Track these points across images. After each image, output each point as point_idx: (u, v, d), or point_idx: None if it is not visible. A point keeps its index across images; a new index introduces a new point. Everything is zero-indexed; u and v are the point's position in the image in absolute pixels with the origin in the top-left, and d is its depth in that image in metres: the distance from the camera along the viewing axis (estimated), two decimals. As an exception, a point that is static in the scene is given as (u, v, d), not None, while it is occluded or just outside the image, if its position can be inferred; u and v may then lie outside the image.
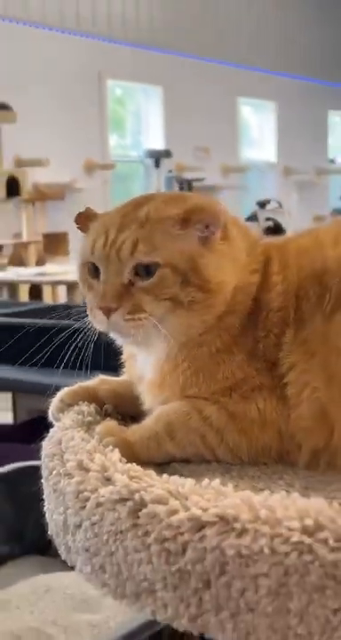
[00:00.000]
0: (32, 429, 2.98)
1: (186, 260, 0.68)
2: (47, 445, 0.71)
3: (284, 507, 0.53)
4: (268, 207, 9.67)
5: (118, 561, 0.57)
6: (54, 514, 0.66)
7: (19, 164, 6.92)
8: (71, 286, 4.73)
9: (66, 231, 6.90)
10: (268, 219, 9.57)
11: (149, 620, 1.18)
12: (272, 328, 0.70)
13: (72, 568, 1.72)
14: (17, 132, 6.67)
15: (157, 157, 8.57)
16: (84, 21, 7.73)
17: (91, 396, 0.78)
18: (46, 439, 0.72)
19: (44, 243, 6.84)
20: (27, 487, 1.66)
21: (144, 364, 0.75)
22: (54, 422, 0.77)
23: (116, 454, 0.64)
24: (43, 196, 7.09)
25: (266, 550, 0.50)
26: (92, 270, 0.69)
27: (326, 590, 0.48)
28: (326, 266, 0.71)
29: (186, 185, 8.75)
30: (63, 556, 0.65)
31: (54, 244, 6.93)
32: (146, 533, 0.55)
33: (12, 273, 5.21)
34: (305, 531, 0.50)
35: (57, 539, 0.66)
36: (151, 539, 0.53)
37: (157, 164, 8.61)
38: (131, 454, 0.66)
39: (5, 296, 5.10)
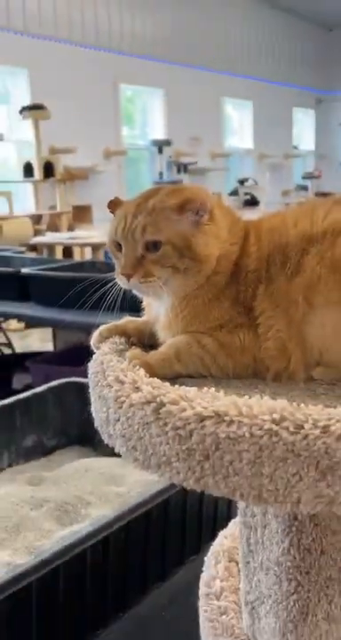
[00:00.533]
0: (68, 356, 3.04)
1: (182, 239, 0.70)
2: (92, 365, 0.72)
3: (259, 405, 0.56)
4: (246, 184, 9.62)
5: (146, 443, 0.60)
6: (99, 413, 0.68)
7: (53, 151, 6.82)
8: (95, 247, 4.72)
9: (90, 204, 6.86)
10: (246, 193, 9.52)
11: (159, 490, 1.21)
12: (249, 284, 0.72)
13: (103, 454, 1.77)
14: (51, 127, 6.59)
15: (160, 145, 8.43)
16: (102, 38, 7.57)
17: (121, 332, 0.80)
18: (91, 361, 0.73)
19: (73, 213, 6.78)
20: (69, 397, 1.75)
21: (157, 310, 0.77)
22: (95, 350, 0.78)
23: (142, 372, 0.66)
24: (72, 176, 7.00)
25: (247, 435, 0.53)
26: (117, 246, 0.72)
27: (287, 460, 0.52)
28: (288, 241, 0.72)
29: (183, 167, 8.65)
30: (106, 441, 0.68)
31: (81, 214, 6.90)
32: (165, 424, 0.58)
33: (50, 237, 5.21)
34: (274, 421, 0.53)
35: (101, 429, 0.69)
36: (168, 428, 0.57)
37: (160, 151, 8.48)
38: (151, 372, 0.69)
39: (45, 254, 5.12)
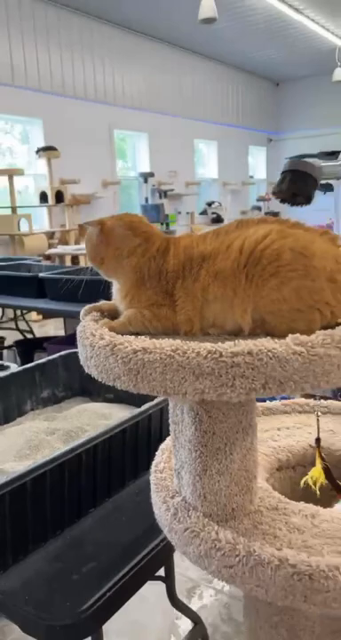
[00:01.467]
0: (74, 339, 3.20)
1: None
2: (78, 328, 0.80)
3: (165, 342, 0.67)
4: (213, 206, 9.77)
5: (107, 368, 0.70)
6: (83, 354, 0.77)
7: (63, 182, 6.92)
8: None
9: (92, 223, 7.01)
10: (213, 212, 9.68)
11: (132, 415, 1.29)
12: (170, 280, 0.78)
13: (97, 401, 1.84)
14: (61, 163, 6.71)
15: (145, 177, 8.54)
16: (99, 93, 7.68)
17: (97, 309, 0.87)
18: (78, 326, 0.81)
19: (79, 230, 6.88)
20: (73, 362, 1.80)
21: (116, 296, 0.84)
22: (81, 320, 0.85)
23: (106, 330, 0.75)
24: (78, 201, 7.10)
25: (158, 357, 0.66)
26: None
27: (178, 371, 0.65)
28: (193, 256, 0.77)
29: (163, 193, 8.78)
30: (87, 371, 0.76)
31: (85, 231, 7.04)
32: (117, 355, 0.68)
33: (61, 249, 5.37)
34: (172, 350, 0.65)
35: (84, 364, 0.77)
36: (118, 357, 0.68)
37: (145, 181, 8.59)
38: (114, 331, 0.76)
39: (57, 262, 5.27)
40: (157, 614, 1.82)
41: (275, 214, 10.55)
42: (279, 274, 0.70)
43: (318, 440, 0.99)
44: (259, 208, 11.28)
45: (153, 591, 1.79)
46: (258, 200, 11.40)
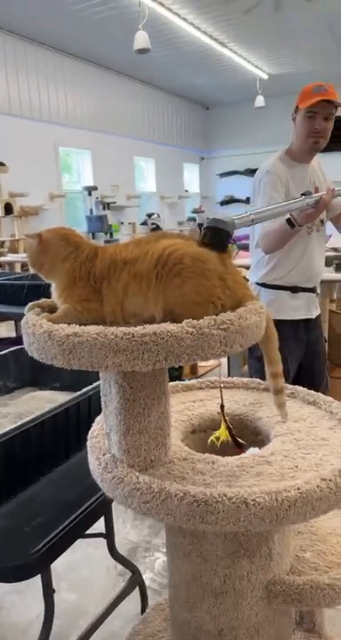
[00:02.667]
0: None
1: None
2: (23, 320, 0.86)
3: (92, 329, 0.76)
4: (153, 217, 9.87)
5: (46, 350, 0.78)
6: (26, 342, 0.84)
7: (12, 195, 6.86)
8: None
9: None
10: (153, 223, 9.78)
11: (74, 397, 1.37)
12: (97, 280, 0.85)
13: (44, 389, 1.88)
14: (9, 178, 6.64)
15: (89, 190, 8.54)
16: (45, 113, 7.63)
17: (39, 305, 0.92)
18: (23, 319, 0.86)
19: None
20: (23, 356, 1.60)
21: (53, 293, 0.90)
22: (26, 314, 0.90)
23: (45, 320, 0.82)
24: (26, 213, 7.04)
25: (85, 340, 0.75)
26: None
27: (101, 349, 0.75)
28: (117, 261, 0.86)
29: (106, 205, 8.80)
30: (30, 355, 0.83)
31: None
32: (53, 339, 0.77)
33: (10, 257, 5.32)
34: (96, 334, 0.74)
35: (28, 349, 0.84)
36: (54, 340, 0.77)
37: (89, 194, 8.59)
38: (52, 322, 0.82)
39: (7, 269, 5.23)
40: (101, 571, 1.94)
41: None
42: (181, 274, 0.81)
43: (222, 406, 1.13)
44: (194, 219, 11.53)
45: (98, 553, 1.90)
46: (193, 212, 11.65)
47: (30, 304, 0.97)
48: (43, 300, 0.98)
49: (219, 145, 12.21)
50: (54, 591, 1.19)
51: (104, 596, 1.79)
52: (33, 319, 0.86)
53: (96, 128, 8.66)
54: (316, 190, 1.85)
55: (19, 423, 1.21)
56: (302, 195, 1.65)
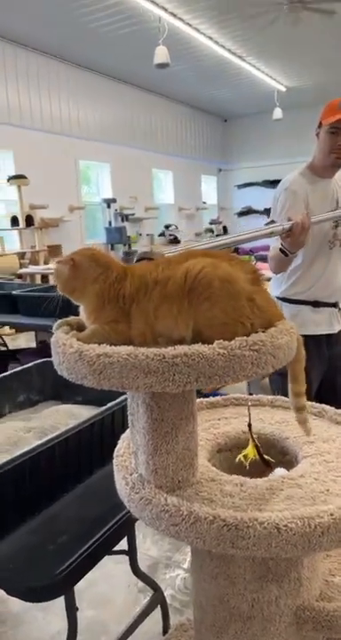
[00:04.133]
0: (46, 349, 3.23)
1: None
2: (52, 339, 0.86)
3: (122, 349, 0.76)
4: (170, 228, 9.93)
5: (76, 370, 0.77)
6: (56, 360, 0.83)
7: (32, 207, 6.95)
8: None
9: (60, 244, 7.02)
10: (170, 234, 9.83)
11: (98, 412, 1.37)
12: (127, 302, 0.84)
13: (68, 403, 1.87)
14: (30, 190, 6.74)
15: (108, 202, 8.64)
16: (65, 127, 7.75)
17: (67, 323, 0.92)
18: (52, 338, 0.86)
19: (48, 251, 6.92)
20: (46, 369, 1.85)
21: (82, 314, 0.90)
22: (54, 332, 0.90)
23: (75, 340, 0.82)
24: (46, 225, 7.13)
25: (115, 360, 0.75)
26: None
27: (132, 370, 0.74)
28: (147, 282, 0.85)
29: (125, 217, 8.88)
30: (60, 373, 0.83)
31: (53, 251, 7.01)
32: (83, 360, 0.77)
33: (32, 269, 5.38)
34: (127, 355, 0.75)
35: (57, 368, 0.83)
36: (85, 361, 0.76)
37: (108, 206, 8.68)
38: (80, 342, 0.82)
39: (28, 280, 5.28)
40: (122, 588, 1.92)
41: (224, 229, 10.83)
42: (211, 298, 0.81)
43: (250, 425, 1.11)
44: (212, 230, 11.55)
45: (119, 569, 1.88)
46: (211, 223, 11.67)
47: (59, 322, 0.97)
48: (71, 318, 0.98)
49: (237, 157, 12.24)
50: (77, 609, 1.17)
51: (125, 612, 1.77)
52: (62, 338, 0.85)
53: (115, 141, 8.77)
54: (289, 219, 1.76)
55: (44, 440, 1.21)
56: (266, 224, 1.64)
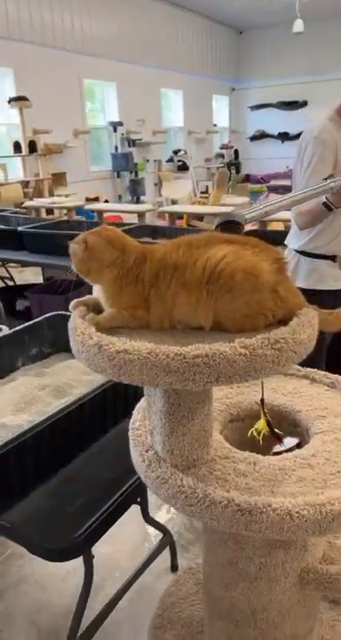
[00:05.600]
0: (53, 287, 3.23)
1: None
2: (70, 325, 0.85)
3: (142, 345, 0.75)
4: (179, 154, 9.56)
5: (95, 363, 0.78)
6: (75, 348, 0.83)
7: (35, 132, 6.67)
8: (69, 210, 4.81)
9: (64, 171, 6.83)
10: (179, 160, 9.49)
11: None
12: (146, 286, 0.83)
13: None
14: (32, 114, 6.44)
15: (114, 126, 8.28)
16: (69, 41, 7.25)
17: (84, 303, 0.91)
18: (69, 322, 0.85)
19: (52, 179, 6.74)
20: (58, 322, 1.87)
21: (99, 296, 0.89)
22: (71, 311, 0.90)
23: (93, 329, 0.81)
24: (50, 151, 6.88)
25: (136, 358, 0.74)
26: None
27: (152, 369, 0.73)
28: (166, 266, 0.83)
29: (132, 142, 8.53)
30: (78, 359, 0.83)
31: (58, 179, 6.85)
32: (103, 354, 0.76)
33: (37, 202, 5.25)
34: (148, 353, 0.74)
35: (76, 356, 0.83)
36: (104, 356, 0.76)
37: (115, 130, 8.33)
38: (99, 326, 0.83)
39: (33, 214, 5.17)
40: (133, 526, 2.04)
41: (236, 164, 10.43)
42: (232, 290, 0.80)
43: (262, 400, 1.13)
44: (222, 156, 11.11)
45: (129, 510, 1.99)
46: (221, 148, 11.20)
47: (75, 301, 0.95)
48: (87, 298, 0.97)
49: (252, 74, 11.50)
50: (94, 557, 1.26)
51: (135, 549, 1.90)
52: (81, 326, 0.85)
53: (121, 57, 8.22)
54: None
55: (60, 407, 1.24)
56: (325, 179, 1.56)
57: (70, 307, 0.96)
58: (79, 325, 0.86)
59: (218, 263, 0.81)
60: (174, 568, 1.79)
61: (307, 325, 0.84)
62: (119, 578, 1.78)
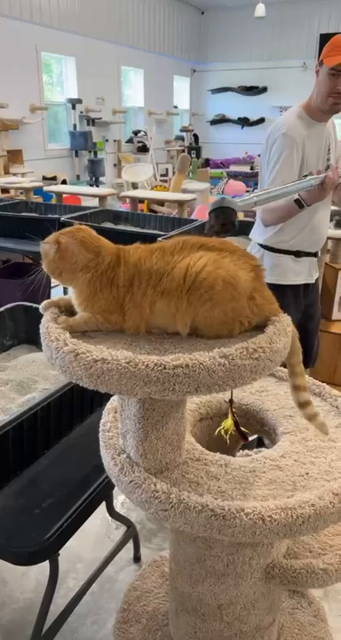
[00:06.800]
0: (8, 270, 3.11)
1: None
2: (42, 328, 0.84)
3: (120, 354, 0.74)
4: (139, 135, 9.39)
5: (71, 371, 0.76)
6: (47, 353, 0.81)
7: (-11, 106, 6.38)
8: (27, 190, 4.64)
9: (21, 149, 6.58)
10: (139, 141, 9.33)
11: None
12: (120, 291, 0.82)
13: (41, 348, 1.85)
14: (-13, 86, 6.12)
15: (73, 103, 8.00)
16: (25, 11, 6.91)
17: (55, 304, 0.90)
18: (41, 327, 0.84)
19: (8, 156, 6.48)
20: (18, 313, 1.83)
21: (72, 298, 0.87)
22: (42, 312, 0.89)
23: (68, 334, 0.79)
24: (6, 126, 6.56)
25: (114, 367, 0.73)
26: None
27: (130, 379, 0.72)
28: (141, 272, 0.82)
29: (91, 121, 8.31)
30: (52, 366, 0.81)
31: (14, 157, 6.59)
32: (79, 362, 0.74)
33: (-8, 180, 5.03)
34: (126, 362, 0.73)
35: (49, 361, 0.82)
36: (81, 364, 0.74)
37: (73, 107, 8.05)
38: (72, 329, 0.82)
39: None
40: (96, 518, 2.04)
41: (197, 148, 10.37)
42: (212, 299, 0.81)
43: (231, 401, 1.15)
44: (182, 138, 11.02)
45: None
46: (182, 131, 11.10)
47: (45, 302, 0.94)
48: (59, 299, 0.95)
49: (213, 57, 11.42)
50: (59, 555, 1.25)
51: (98, 542, 1.90)
52: (54, 332, 0.83)
53: (81, 31, 7.90)
54: (319, 172, 1.74)
55: (27, 407, 1.21)
56: (305, 176, 1.60)
57: (40, 308, 0.95)
58: (52, 330, 0.84)
59: (199, 272, 0.81)
60: (137, 559, 1.81)
61: (283, 334, 0.85)
62: (81, 570, 1.78)
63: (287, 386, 1.29)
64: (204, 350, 0.78)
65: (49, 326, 0.86)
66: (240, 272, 0.83)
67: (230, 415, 1.14)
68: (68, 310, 0.91)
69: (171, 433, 0.96)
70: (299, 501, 0.88)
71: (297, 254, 1.99)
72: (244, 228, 2.69)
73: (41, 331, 0.86)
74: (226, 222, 0.94)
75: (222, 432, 1.13)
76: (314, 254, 2.04)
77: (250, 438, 1.20)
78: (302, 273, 2.03)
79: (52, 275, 0.87)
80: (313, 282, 2.10)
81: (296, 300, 2.06)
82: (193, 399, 1.23)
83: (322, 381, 1.25)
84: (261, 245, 2.04)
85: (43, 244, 0.87)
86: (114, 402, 1.14)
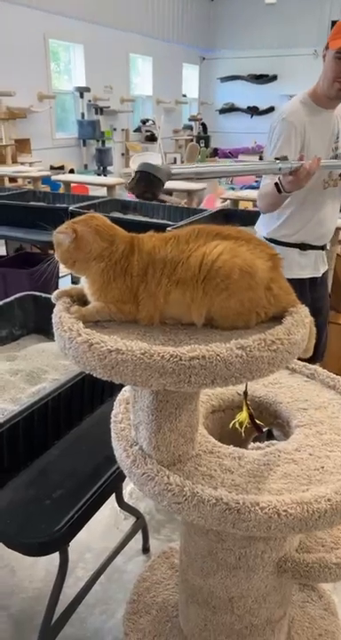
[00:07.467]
0: (17, 260, 3.11)
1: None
2: (54, 318, 0.82)
3: (135, 345, 0.72)
4: (147, 124, 9.33)
5: (84, 361, 0.74)
6: (60, 343, 0.79)
7: (-3, 93, 6.35)
8: (35, 179, 4.62)
9: (29, 137, 6.55)
10: (147, 130, 9.26)
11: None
12: (134, 281, 0.81)
13: (50, 338, 1.83)
14: (-6, 74, 6.08)
15: (81, 92, 7.96)
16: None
17: (67, 294, 0.89)
18: (54, 316, 0.82)
19: (16, 145, 6.45)
20: (28, 303, 1.83)
21: (85, 288, 0.86)
22: (54, 302, 0.87)
23: (81, 324, 0.77)
24: (14, 115, 6.54)
25: (129, 358, 0.72)
26: None
27: (146, 369, 0.71)
28: (156, 260, 0.81)
29: (99, 110, 8.25)
30: (65, 356, 0.78)
31: (22, 146, 6.56)
32: (93, 353, 0.73)
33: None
34: (141, 353, 0.71)
35: (62, 351, 0.79)
36: (95, 354, 0.73)
37: (82, 96, 8.00)
38: (84, 319, 0.81)
39: (-4, 182, 4.94)
40: (105, 508, 2.04)
41: (206, 138, 10.28)
42: (229, 288, 0.79)
43: (246, 393, 1.13)
44: (191, 127, 10.93)
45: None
46: (190, 120, 11.01)
47: (57, 292, 0.92)
48: (71, 288, 0.93)
49: (223, 44, 11.27)
50: (68, 545, 1.25)
51: (107, 532, 1.90)
52: (67, 322, 0.81)
53: (90, 18, 7.84)
54: (301, 158, 1.69)
55: (38, 397, 1.20)
56: (276, 159, 1.55)
57: (52, 297, 0.92)
58: (65, 320, 0.83)
59: (215, 260, 0.79)
60: (145, 550, 1.80)
61: (301, 325, 0.84)
62: (90, 560, 1.78)
63: (300, 378, 1.28)
64: (220, 342, 0.77)
65: (61, 316, 0.84)
66: (257, 261, 0.81)
67: (245, 408, 1.12)
68: (80, 300, 0.89)
69: (185, 425, 0.95)
70: (315, 496, 0.86)
71: (303, 247, 1.95)
72: (252, 218, 2.65)
73: (53, 320, 0.85)
74: (147, 191, 0.88)
75: (237, 425, 1.11)
76: (321, 247, 2.00)
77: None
78: (308, 267, 1.99)
79: (66, 264, 0.85)
80: (320, 276, 2.07)
81: (301, 294, 2.01)
82: (205, 391, 1.22)
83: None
84: (266, 238, 2.00)
85: (56, 233, 0.85)
86: (125, 393, 1.13)
